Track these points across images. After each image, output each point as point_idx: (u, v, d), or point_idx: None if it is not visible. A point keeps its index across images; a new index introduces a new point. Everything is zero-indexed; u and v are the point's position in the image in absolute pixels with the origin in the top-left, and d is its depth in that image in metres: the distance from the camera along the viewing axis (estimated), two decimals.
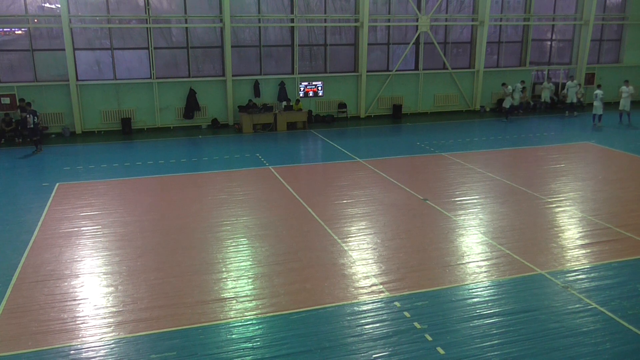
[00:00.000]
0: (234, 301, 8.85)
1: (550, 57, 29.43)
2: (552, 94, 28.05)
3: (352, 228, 11.97)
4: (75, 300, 8.90)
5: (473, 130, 23.77)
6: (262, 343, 7.72)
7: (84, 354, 7.48)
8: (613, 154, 18.73)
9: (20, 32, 21.79)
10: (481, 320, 8.26)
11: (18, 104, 20.95)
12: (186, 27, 23.20)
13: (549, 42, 29.40)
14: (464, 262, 10.26)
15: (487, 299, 8.91)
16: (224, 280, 9.59)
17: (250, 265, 10.20)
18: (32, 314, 8.47)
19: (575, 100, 25.95)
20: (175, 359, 7.36)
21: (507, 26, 28.03)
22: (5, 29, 21.72)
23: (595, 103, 23.34)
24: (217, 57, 24.10)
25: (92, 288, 9.31)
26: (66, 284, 9.45)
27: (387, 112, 26.50)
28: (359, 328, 8.06)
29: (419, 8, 25.83)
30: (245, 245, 11.10)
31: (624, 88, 23.75)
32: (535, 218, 12.55)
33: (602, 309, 8.54)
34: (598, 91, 23.50)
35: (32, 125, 19.05)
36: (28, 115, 19.06)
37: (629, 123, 23.69)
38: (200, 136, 22.32)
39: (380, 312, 8.49)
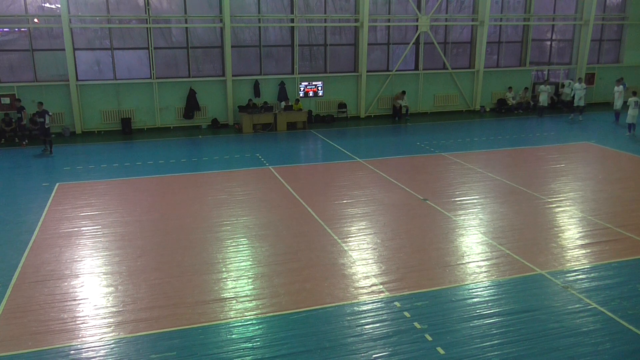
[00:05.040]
0: (234, 301, 8.85)
1: (550, 57, 29.43)
2: (551, 94, 28.00)
3: (352, 228, 11.96)
4: (75, 300, 8.90)
5: (473, 130, 23.77)
6: (262, 343, 7.72)
7: (84, 354, 7.48)
8: (613, 154, 18.73)
9: (16, 31, 21.80)
10: (481, 320, 8.26)
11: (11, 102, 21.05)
12: (186, 27, 23.20)
13: (549, 42, 29.40)
14: (464, 262, 10.26)
15: (487, 299, 8.91)
16: (224, 280, 9.59)
17: (250, 265, 10.20)
18: (32, 314, 8.47)
19: (582, 104, 25.20)
20: (175, 359, 7.36)
21: (507, 26, 28.03)
22: (4, 29, 21.71)
23: (630, 111, 21.33)
24: (217, 57, 24.09)
25: (92, 288, 9.31)
26: (66, 284, 9.45)
27: (387, 112, 26.51)
28: (359, 328, 8.06)
29: (419, 8, 25.83)
30: (245, 245, 11.10)
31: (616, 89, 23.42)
32: (535, 218, 12.55)
33: (602, 309, 8.54)
34: (634, 97, 21.47)
35: (47, 126, 18.95)
36: (46, 116, 18.94)
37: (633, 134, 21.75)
38: (200, 136, 22.32)
39: (380, 312, 8.49)
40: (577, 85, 25.53)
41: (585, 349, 7.51)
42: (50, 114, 19.45)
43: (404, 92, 25.88)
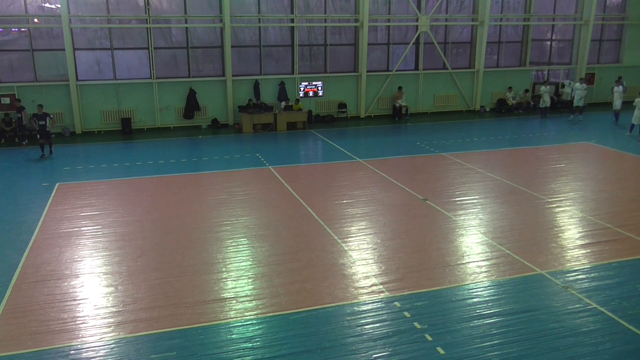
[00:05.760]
0: (234, 301, 8.86)
1: (550, 57, 29.42)
2: (551, 94, 27.95)
3: (352, 228, 11.96)
4: (75, 300, 8.91)
5: (473, 130, 23.76)
6: (262, 343, 7.72)
7: (84, 354, 7.48)
8: (613, 154, 18.73)
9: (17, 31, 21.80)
10: (481, 320, 8.26)
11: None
12: (186, 27, 23.20)
13: (549, 42, 29.39)
14: (464, 262, 10.26)
15: (487, 299, 8.91)
16: (224, 280, 9.59)
17: (250, 265, 10.20)
18: (32, 314, 8.47)
19: (582, 104, 25.01)
20: (175, 359, 7.36)
21: (507, 26, 28.02)
22: (1, 29, 21.73)
23: (636, 112, 20.81)
24: (217, 57, 24.09)
25: (92, 288, 9.31)
26: (66, 284, 9.45)
27: (387, 112, 26.51)
28: (359, 328, 8.06)
29: (419, 8, 25.83)
30: (245, 245, 11.10)
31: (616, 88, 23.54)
32: (535, 218, 12.55)
33: (602, 309, 8.54)
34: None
35: (48, 128, 18.76)
36: (47, 119, 18.76)
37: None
38: (200, 136, 22.32)
39: (380, 312, 8.49)
40: (577, 85, 25.33)
41: (585, 349, 7.51)
42: (51, 116, 19.38)
43: (400, 88, 25.87)
